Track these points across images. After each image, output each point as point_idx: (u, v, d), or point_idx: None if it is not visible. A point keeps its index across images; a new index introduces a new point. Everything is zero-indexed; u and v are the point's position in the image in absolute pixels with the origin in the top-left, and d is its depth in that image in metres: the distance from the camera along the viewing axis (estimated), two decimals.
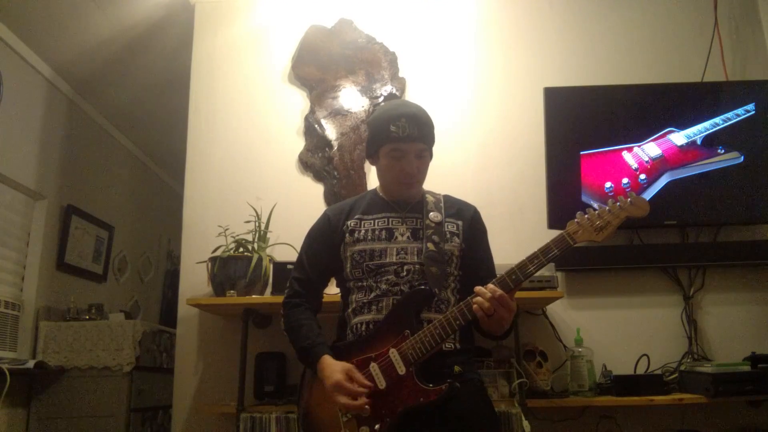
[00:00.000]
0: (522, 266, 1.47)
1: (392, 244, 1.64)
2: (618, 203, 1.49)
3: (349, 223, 1.69)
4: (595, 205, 1.52)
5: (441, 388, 1.44)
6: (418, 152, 1.66)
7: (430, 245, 1.61)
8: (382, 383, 1.48)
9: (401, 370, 1.47)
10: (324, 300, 1.79)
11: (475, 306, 1.44)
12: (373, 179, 2.73)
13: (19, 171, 3.10)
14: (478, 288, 1.45)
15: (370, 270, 1.62)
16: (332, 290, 1.84)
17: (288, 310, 1.69)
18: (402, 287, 1.59)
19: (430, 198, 1.73)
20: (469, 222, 1.71)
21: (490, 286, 1.45)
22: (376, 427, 1.46)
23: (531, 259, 1.47)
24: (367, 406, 1.45)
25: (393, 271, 1.61)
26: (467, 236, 1.69)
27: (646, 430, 2.42)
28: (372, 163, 1.76)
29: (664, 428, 2.41)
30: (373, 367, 1.51)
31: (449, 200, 1.76)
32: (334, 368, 1.51)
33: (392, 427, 1.45)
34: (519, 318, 2.34)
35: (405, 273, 1.60)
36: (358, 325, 1.61)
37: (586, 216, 1.49)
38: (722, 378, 2.13)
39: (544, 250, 1.47)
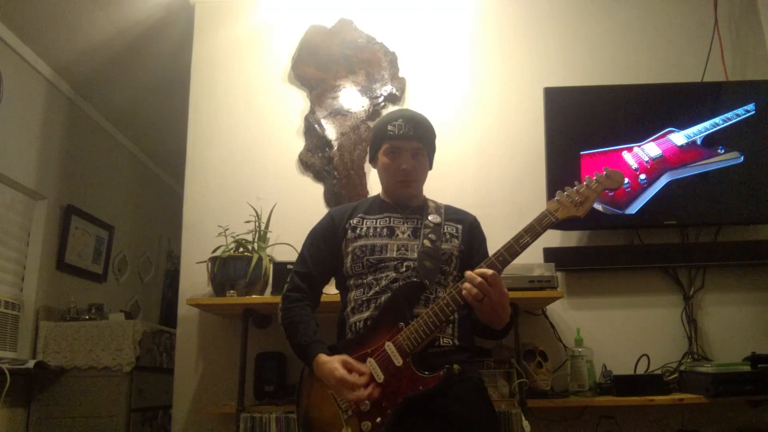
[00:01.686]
0: (508, 247, 1.51)
1: (393, 241, 1.67)
2: (594, 178, 1.55)
3: (351, 221, 1.73)
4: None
5: (439, 374, 1.46)
6: (414, 150, 1.71)
7: (427, 242, 1.65)
8: (380, 377, 1.49)
9: (398, 361, 1.48)
10: (323, 300, 1.80)
11: (464, 291, 1.45)
12: (372, 180, 2.75)
13: (19, 171, 3.10)
14: (467, 273, 1.47)
15: (371, 265, 1.64)
16: (331, 290, 1.84)
17: (288, 303, 1.69)
18: (400, 284, 1.60)
19: (431, 204, 1.79)
20: (468, 227, 1.76)
21: (479, 269, 1.47)
22: (378, 420, 1.46)
23: (516, 239, 1.51)
24: (373, 393, 1.45)
25: (393, 266, 1.63)
26: (466, 239, 1.73)
27: (646, 430, 2.42)
28: (374, 167, 1.81)
29: (664, 428, 2.41)
30: (370, 362, 1.51)
31: (450, 208, 1.81)
32: (332, 364, 1.50)
33: (393, 419, 1.45)
34: (519, 318, 2.34)
35: (404, 269, 1.62)
36: (357, 323, 1.62)
37: (565, 194, 1.55)
38: (722, 378, 2.13)
39: (528, 229, 1.52)
